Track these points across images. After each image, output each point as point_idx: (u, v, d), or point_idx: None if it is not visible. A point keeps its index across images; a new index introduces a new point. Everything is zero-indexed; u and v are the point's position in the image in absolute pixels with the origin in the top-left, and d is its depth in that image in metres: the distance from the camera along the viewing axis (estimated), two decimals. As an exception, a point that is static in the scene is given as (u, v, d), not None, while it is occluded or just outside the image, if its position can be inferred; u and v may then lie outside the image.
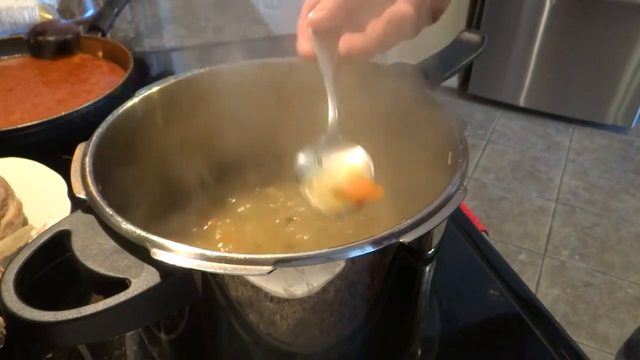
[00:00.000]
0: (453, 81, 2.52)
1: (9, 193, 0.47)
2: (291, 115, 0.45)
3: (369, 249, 0.28)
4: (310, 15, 0.36)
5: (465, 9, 2.35)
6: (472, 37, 0.51)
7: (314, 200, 0.39)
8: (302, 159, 0.39)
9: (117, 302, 0.27)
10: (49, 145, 0.60)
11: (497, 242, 1.72)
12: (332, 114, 0.39)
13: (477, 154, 2.15)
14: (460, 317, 0.48)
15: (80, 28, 0.87)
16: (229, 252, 0.27)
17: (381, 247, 0.28)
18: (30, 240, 0.31)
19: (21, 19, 0.88)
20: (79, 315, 0.26)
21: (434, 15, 0.37)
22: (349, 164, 0.40)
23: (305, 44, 0.37)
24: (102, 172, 0.35)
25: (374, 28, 0.34)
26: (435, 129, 0.40)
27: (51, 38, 0.81)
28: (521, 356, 0.45)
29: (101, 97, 0.64)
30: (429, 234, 0.32)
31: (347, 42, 0.34)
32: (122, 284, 0.28)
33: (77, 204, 0.32)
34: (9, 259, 0.39)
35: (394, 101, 0.43)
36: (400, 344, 0.41)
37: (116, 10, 0.90)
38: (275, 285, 0.29)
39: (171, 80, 0.44)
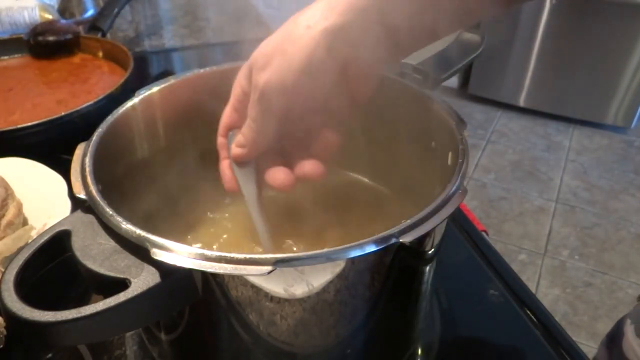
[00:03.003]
0: (453, 81, 2.52)
1: (9, 193, 0.47)
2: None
3: (369, 249, 0.28)
4: (232, 149, 0.37)
5: (465, 9, 2.34)
6: (472, 37, 0.51)
7: None
8: None
9: (117, 302, 0.27)
10: (49, 145, 0.60)
11: (497, 242, 1.72)
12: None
13: (477, 154, 2.15)
14: (460, 317, 0.48)
15: (80, 28, 0.87)
16: (229, 252, 0.27)
17: (381, 247, 0.28)
18: (30, 240, 0.31)
19: (21, 19, 0.88)
20: (79, 315, 0.26)
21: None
22: None
23: (230, 178, 0.38)
24: (102, 172, 0.35)
25: (291, 177, 0.36)
26: (435, 129, 0.40)
27: (51, 38, 0.81)
28: (521, 356, 0.45)
29: (101, 97, 0.64)
30: (429, 234, 0.32)
31: (270, 179, 0.36)
32: (122, 284, 0.28)
33: (77, 204, 0.32)
34: (9, 259, 0.39)
35: (394, 102, 0.43)
36: (400, 344, 0.41)
37: (116, 10, 0.90)
38: (275, 285, 0.29)
39: (171, 80, 0.44)
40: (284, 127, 0.35)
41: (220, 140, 0.39)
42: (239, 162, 0.38)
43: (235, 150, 0.37)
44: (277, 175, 0.36)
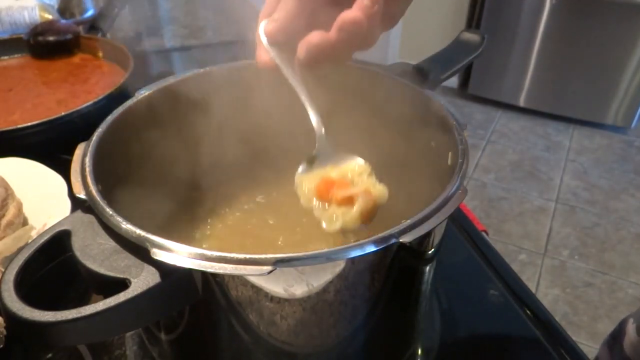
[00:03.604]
0: (453, 81, 2.52)
1: (9, 193, 0.47)
2: (291, 115, 0.45)
3: (369, 249, 0.28)
4: (265, 26, 0.36)
5: (465, 9, 2.35)
6: (472, 37, 0.51)
7: (302, 200, 0.37)
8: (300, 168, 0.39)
9: (117, 302, 0.27)
10: (49, 145, 0.60)
11: (497, 242, 1.72)
12: (315, 123, 0.37)
13: (477, 154, 2.15)
14: (460, 317, 0.48)
15: (80, 28, 0.87)
16: (229, 252, 0.27)
17: (381, 247, 0.28)
18: (30, 240, 0.31)
19: (21, 19, 0.88)
20: (79, 315, 0.26)
21: (390, 21, 0.36)
22: (339, 166, 0.38)
23: (263, 53, 0.37)
24: (102, 172, 0.35)
25: (328, 34, 0.33)
26: (435, 129, 0.40)
27: (51, 38, 0.81)
28: (521, 356, 0.45)
29: (101, 97, 0.64)
30: (429, 234, 0.32)
31: (304, 43, 0.33)
32: (122, 284, 0.28)
33: (77, 204, 0.32)
34: (9, 259, 0.39)
35: (394, 101, 0.44)
36: (400, 344, 0.41)
37: (116, 10, 0.90)
38: (275, 285, 0.29)
39: (171, 80, 0.44)
40: (317, 14, 0.33)
41: (258, 32, 0.38)
42: (274, 41, 0.36)
43: (268, 25, 0.35)
44: (312, 37, 0.33)
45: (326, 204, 0.36)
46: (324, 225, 0.36)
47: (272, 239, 0.46)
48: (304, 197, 0.37)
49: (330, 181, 0.37)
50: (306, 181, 0.38)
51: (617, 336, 0.57)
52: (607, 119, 2.27)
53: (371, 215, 0.36)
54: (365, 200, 0.35)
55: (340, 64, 0.35)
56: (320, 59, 0.34)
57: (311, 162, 0.39)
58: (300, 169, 0.39)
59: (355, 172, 0.38)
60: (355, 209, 0.35)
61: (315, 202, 0.37)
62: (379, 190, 0.36)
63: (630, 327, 0.55)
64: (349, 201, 0.35)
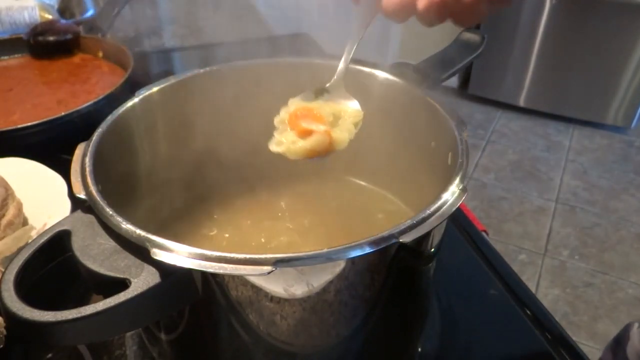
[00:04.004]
0: (453, 81, 2.52)
1: (9, 193, 0.47)
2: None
3: (369, 249, 0.28)
4: None
5: (465, 9, 2.34)
6: (472, 37, 0.51)
7: (276, 118, 0.39)
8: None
9: (117, 302, 0.27)
10: (49, 145, 0.60)
11: (497, 242, 1.72)
12: (343, 63, 0.38)
13: (477, 154, 2.15)
14: (460, 317, 0.48)
15: (80, 28, 0.87)
16: (229, 252, 0.27)
17: (381, 247, 0.28)
18: (30, 240, 0.31)
19: (21, 19, 0.88)
20: (79, 315, 0.26)
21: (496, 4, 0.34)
22: (326, 103, 0.39)
23: None
24: (102, 172, 0.35)
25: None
26: (435, 129, 0.40)
27: (51, 38, 0.81)
28: (521, 356, 0.45)
29: (101, 97, 0.64)
30: (429, 234, 0.32)
31: None
32: (122, 284, 0.28)
33: (77, 204, 0.32)
34: (9, 259, 0.39)
35: (394, 102, 0.44)
36: (400, 344, 0.41)
37: (116, 10, 0.90)
38: (275, 285, 0.29)
39: (171, 80, 0.44)
40: None
41: None
42: None
43: None
44: None
45: (288, 129, 0.38)
46: (269, 143, 0.38)
47: (273, 239, 0.46)
48: (279, 116, 0.39)
49: (305, 112, 0.38)
50: (293, 105, 0.39)
51: (620, 341, 0.57)
52: (607, 119, 2.27)
53: (321, 155, 0.37)
54: (319, 141, 0.37)
55: (426, 26, 0.34)
56: (402, 17, 0.33)
57: (318, 94, 0.40)
58: (301, 95, 0.40)
59: (346, 112, 0.39)
60: (304, 144, 0.37)
61: (283, 124, 0.38)
62: (340, 137, 0.38)
63: (635, 333, 0.55)
64: (307, 134, 0.37)
